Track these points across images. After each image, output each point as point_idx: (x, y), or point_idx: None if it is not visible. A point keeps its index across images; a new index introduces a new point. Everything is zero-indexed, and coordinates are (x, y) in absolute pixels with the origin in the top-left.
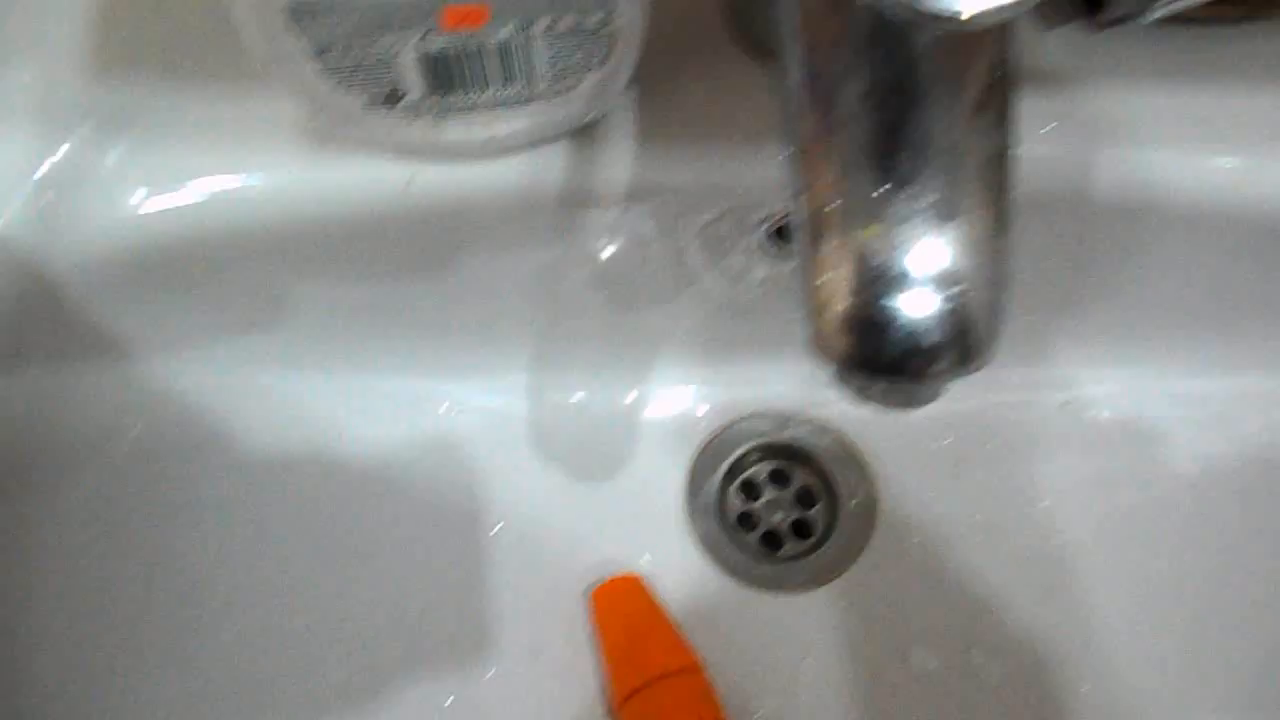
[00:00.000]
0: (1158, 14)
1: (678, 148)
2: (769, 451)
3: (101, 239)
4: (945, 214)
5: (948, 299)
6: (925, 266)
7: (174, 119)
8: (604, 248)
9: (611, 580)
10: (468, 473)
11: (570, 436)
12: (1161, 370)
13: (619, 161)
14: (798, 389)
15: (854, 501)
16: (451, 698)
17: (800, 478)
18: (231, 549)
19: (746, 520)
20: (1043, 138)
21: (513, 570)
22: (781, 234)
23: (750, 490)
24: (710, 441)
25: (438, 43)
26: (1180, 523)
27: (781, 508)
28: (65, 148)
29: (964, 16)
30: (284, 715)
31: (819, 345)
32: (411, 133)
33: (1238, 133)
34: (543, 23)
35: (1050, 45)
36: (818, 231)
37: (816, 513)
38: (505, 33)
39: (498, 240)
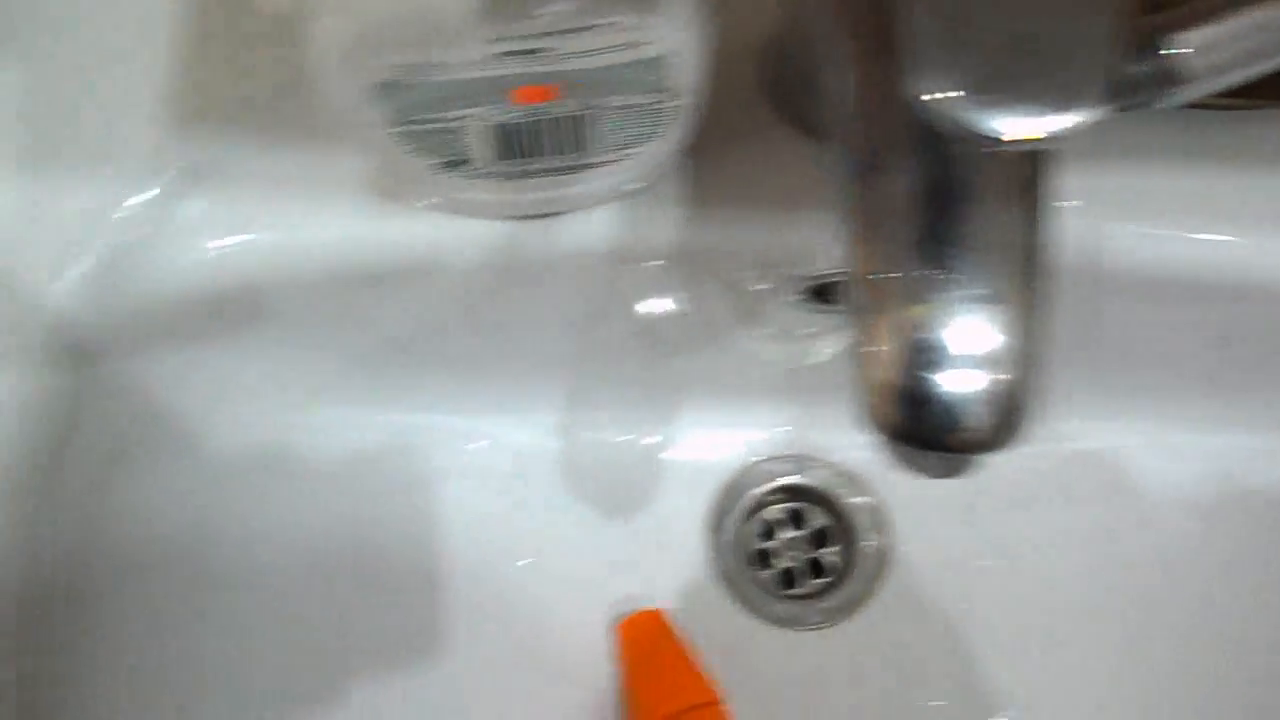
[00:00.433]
0: (1170, 102)
1: (721, 211)
2: (788, 493)
3: (175, 280)
4: (988, 299)
5: (988, 378)
6: (968, 347)
7: (250, 171)
8: (645, 301)
9: (636, 614)
10: (499, 507)
11: (599, 474)
12: (1162, 425)
13: (665, 222)
14: (818, 434)
15: (869, 543)
16: None
17: (817, 519)
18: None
19: (765, 558)
20: (1062, 212)
21: (540, 602)
22: (817, 294)
23: (769, 530)
24: (732, 482)
25: (508, 115)
26: (1183, 574)
27: (799, 547)
28: (154, 193)
29: (1005, 138)
30: None
31: (869, 416)
32: (473, 194)
33: (1240, 211)
34: (607, 101)
35: None
36: (868, 306)
37: (833, 553)
38: (571, 107)
39: (544, 292)
